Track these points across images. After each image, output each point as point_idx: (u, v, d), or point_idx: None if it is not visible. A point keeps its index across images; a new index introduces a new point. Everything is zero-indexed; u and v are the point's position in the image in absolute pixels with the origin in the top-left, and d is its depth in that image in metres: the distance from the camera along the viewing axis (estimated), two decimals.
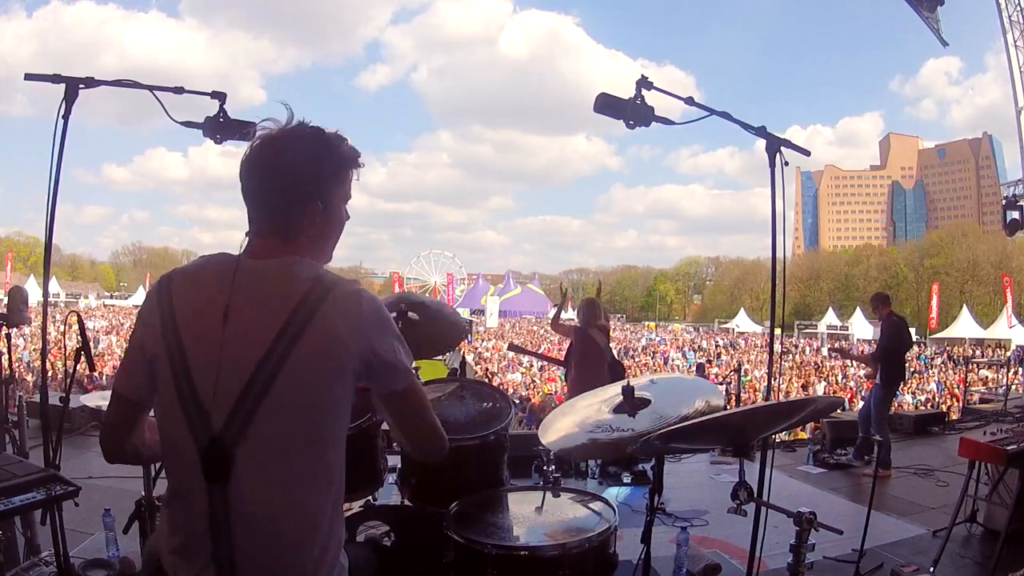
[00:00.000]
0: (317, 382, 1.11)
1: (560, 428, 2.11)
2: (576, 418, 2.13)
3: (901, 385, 6.24)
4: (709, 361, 23.35)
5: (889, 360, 5.75)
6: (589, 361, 5.40)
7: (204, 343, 1.11)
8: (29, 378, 13.28)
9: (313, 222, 1.22)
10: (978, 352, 24.91)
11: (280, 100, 1.22)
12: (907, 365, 6.32)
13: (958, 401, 12.47)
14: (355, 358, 1.14)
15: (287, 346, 1.09)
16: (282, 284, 1.14)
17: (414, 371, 1.27)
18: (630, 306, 68.63)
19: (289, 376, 1.09)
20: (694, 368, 21.00)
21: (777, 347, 3.26)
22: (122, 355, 1.31)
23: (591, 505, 1.99)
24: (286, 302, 1.11)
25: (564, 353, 6.03)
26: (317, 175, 1.22)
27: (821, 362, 24.28)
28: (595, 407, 2.15)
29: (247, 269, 1.16)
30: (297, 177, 1.20)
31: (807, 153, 2.62)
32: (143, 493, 2.93)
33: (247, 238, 1.23)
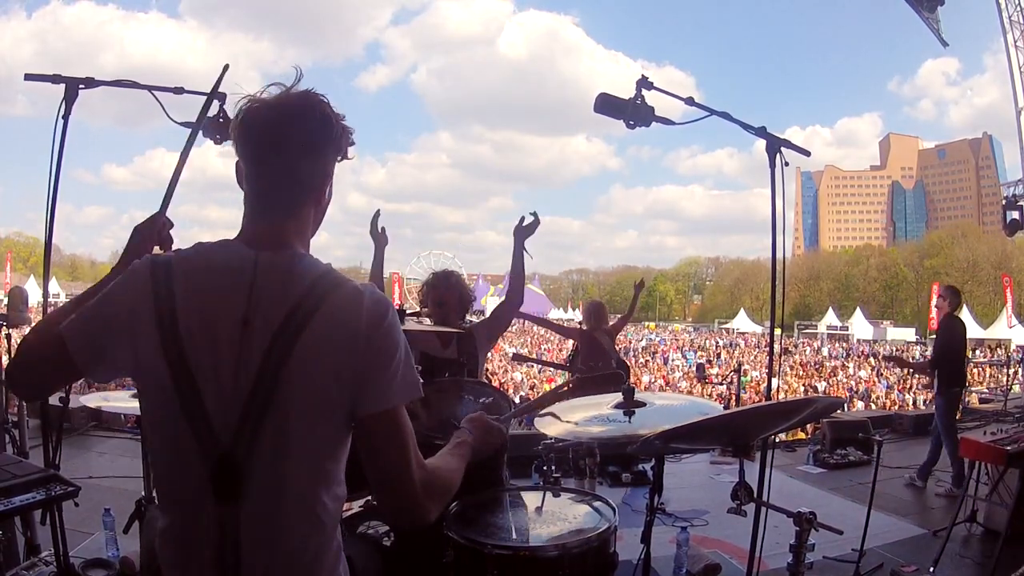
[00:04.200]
0: (317, 389, 1.01)
1: (560, 421, 2.11)
2: (576, 415, 2.14)
3: (961, 390, 5.56)
4: (709, 361, 23.39)
5: (943, 364, 5.36)
6: (594, 364, 5.39)
7: (214, 351, 1.00)
8: None
9: (325, 199, 1.16)
10: (978, 352, 24.91)
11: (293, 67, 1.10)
12: (965, 369, 5.68)
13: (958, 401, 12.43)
14: (350, 363, 1.02)
15: (282, 353, 0.99)
16: (288, 283, 1.03)
17: (405, 397, 1.07)
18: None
19: (289, 383, 0.99)
20: (694, 368, 21.03)
21: (777, 347, 3.25)
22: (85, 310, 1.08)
23: (591, 505, 1.99)
24: (286, 304, 1.01)
25: (566, 356, 6.02)
26: (335, 151, 1.13)
27: (821, 362, 24.33)
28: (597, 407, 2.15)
29: (266, 266, 1.04)
30: (320, 151, 1.11)
31: (807, 153, 2.63)
32: (143, 493, 2.93)
33: (253, 221, 1.11)
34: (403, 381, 1.06)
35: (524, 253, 3.02)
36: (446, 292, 3.04)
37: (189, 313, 1.02)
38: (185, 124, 2.58)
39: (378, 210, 3.22)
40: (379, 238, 3.21)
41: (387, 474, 1.07)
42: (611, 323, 6.36)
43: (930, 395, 16.07)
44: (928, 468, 5.17)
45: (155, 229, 1.42)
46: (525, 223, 3.01)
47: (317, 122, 1.08)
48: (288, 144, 1.07)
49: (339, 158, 1.14)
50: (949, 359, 5.36)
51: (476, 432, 1.36)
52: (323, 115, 1.08)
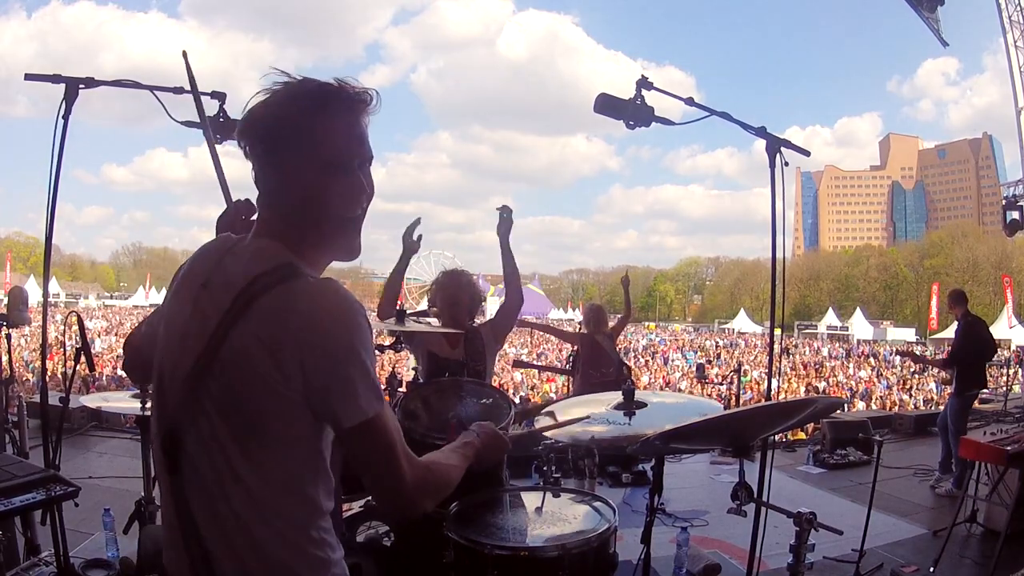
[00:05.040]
0: (250, 386, 0.97)
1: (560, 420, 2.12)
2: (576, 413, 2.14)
3: (979, 391, 5.47)
4: (709, 361, 23.37)
5: (963, 365, 5.29)
6: (596, 367, 5.39)
7: (172, 330, 1.07)
8: (30, 378, 13.28)
9: (285, 191, 1.04)
10: None
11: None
12: (987, 370, 5.56)
13: None
14: (288, 371, 0.95)
15: (219, 341, 0.97)
16: (241, 270, 1.01)
17: (376, 404, 1.01)
18: None
19: (221, 373, 0.97)
20: (694, 368, 21.02)
21: (777, 347, 3.24)
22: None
23: (591, 505, 1.99)
24: (233, 290, 0.99)
25: (566, 360, 6.02)
26: (281, 130, 1.01)
27: (821, 362, 24.32)
28: (597, 406, 2.16)
29: (230, 255, 1.07)
30: (265, 136, 1.03)
31: (807, 153, 2.63)
32: (143, 493, 2.94)
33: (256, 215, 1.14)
34: (369, 389, 1.00)
35: (510, 249, 2.90)
36: (458, 292, 2.94)
37: (169, 303, 1.12)
38: (187, 123, 2.58)
39: (418, 218, 3.01)
40: (411, 246, 3.00)
41: (378, 478, 1.06)
42: (611, 325, 6.37)
43: (934, 393, 16.10)
44: (947, 462, 5.14)
45: (229, 218, 1.37)
46: (500, 219, 2.87)
47: (297, 119, 1.02)
48: (266, 141, 1.04)
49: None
50: (967, 361, 5.30)
51: (484, 438, 1.34)
52: (243, 127, 1.05)
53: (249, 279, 0.99)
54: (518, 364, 12.73)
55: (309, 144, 1.02)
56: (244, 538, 1.01)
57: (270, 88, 1.04)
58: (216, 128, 2.58)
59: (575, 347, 5.77)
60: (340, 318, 0.98)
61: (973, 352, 5.31)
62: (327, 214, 1.06)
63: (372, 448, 1.02)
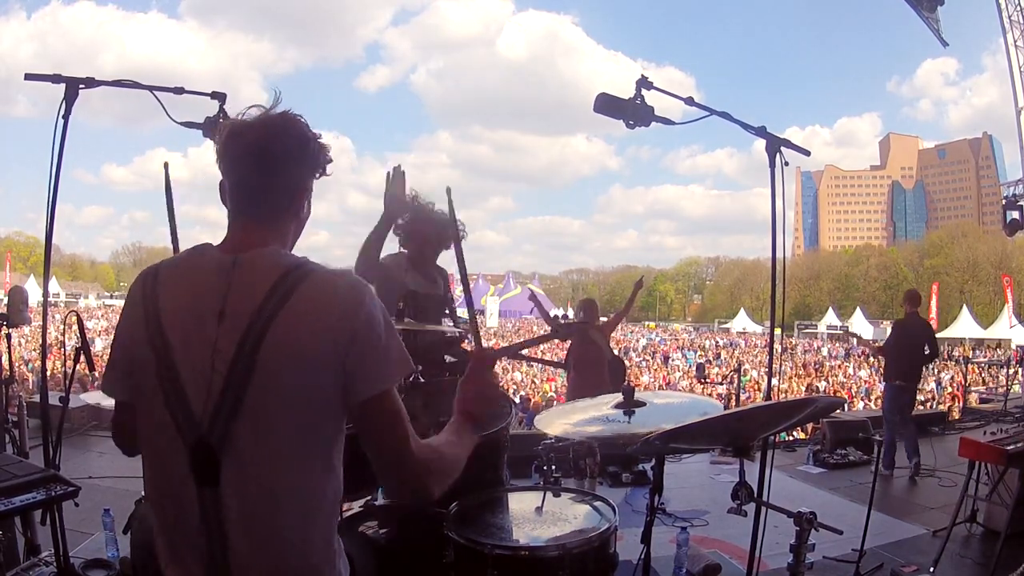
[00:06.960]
0: (294, 375, 1.03)
1: (559, 422, 2.12)
2: (576, 415, 2.14)
3: (908, 385, 5.78)
4: (709, 361, 23.37)
5: (889, 356, 5.92)
6: (589, 361, 5.41)
7: (193, 342, 1.05)
8: (30, 378, 13.28)
9: (303, 212, 1.22)
10: (978, 352, 24.92)
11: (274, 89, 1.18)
12: (918, 366, 6.03)
13: (958, 401, 12.46)
14: (331, 350, 1.04)
15: (257, 337, 1.02)
16: (261, 275, 1.07)
17: (394, 380, 1.11)
18: None
19: (264, 368, 1.02)
20: (694, 368, 21.02)
21: (777, 347, 3.24)
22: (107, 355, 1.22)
23: (591, 505, 1.99)
24: (259, 294, 1.05)
25: (564, 354, 6.04)
26: (313, 166, 1.20)
27: (821, 362, 24.32)
28: (596, 408, 2.15)
29: (242, 263, 1.09)
30: (298, 166, 1.18)
31: (807, 153, 2.63)
32: (143, 493, 2.93)
33: (235, 231, 1.16)
34: (388, 362, 1.09)
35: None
36: (438, 240, 2.99)
37: (171, 311, 1.08)
38: (187, 124, 2.59)
39: (398, 167, 2.66)
40: (395, 208, 2.64)
41: (388, 455, 1.10)
42: (606, 319, 6.43)
43: (934, 392, 16.09)
44: (912, 459, 5.41)
45: None
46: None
47: (295, 138, 1.16)
48: (268, 157, 1.14)
49: (317, 174, 1.21)
50: (893, 355, 5.83)
51: (472, 406, 1.29)
52: (301, 132, 1.17)
53: (279, 275, 1.06)
54: (506, 351, 12.71)
55: (320, 161, 1.19)
56: (277, 532, 1.04)
57: (265, 115, 1.15)
58: (215, 128, 2.59)
59: (571, 342, 5.80)
60: (368, 297, 1.09)
61: (904, 346, 5.73)
62: (305, 221, 1.24)
63: (387, 420, 1.09)
